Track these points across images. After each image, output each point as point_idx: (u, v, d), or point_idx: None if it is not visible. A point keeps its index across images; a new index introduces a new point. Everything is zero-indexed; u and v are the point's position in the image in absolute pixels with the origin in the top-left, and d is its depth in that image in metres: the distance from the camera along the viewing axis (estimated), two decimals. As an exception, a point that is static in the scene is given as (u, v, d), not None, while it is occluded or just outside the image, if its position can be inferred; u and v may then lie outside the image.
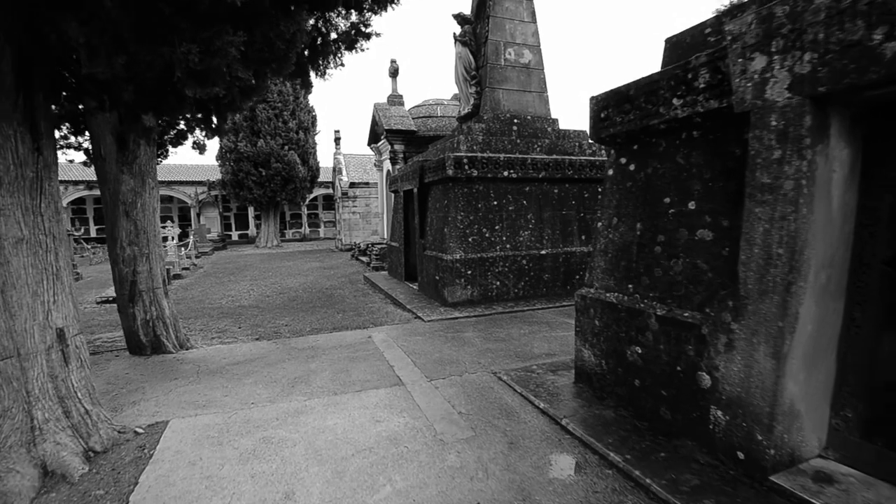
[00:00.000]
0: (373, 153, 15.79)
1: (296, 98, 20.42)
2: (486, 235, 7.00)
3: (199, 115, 4.42)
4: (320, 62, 3.84)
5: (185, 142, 5.67)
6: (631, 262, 3.24)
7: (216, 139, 22.92)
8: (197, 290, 9.83)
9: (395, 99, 14.15)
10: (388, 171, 14.18)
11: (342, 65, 3.76)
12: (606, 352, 3.39)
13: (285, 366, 4.39)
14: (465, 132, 7.58)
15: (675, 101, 2.82)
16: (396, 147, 13.29)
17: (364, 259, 14.39)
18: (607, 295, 3.39)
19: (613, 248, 3.41)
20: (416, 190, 7.97)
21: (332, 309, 7.33)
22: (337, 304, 7.69)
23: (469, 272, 6.81)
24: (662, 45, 3.43)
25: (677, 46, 3.29)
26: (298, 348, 4.97)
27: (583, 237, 7.69)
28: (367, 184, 19.78)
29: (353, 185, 19.51)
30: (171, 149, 5.68)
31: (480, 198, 7.02)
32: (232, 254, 19.73)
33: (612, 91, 3.35)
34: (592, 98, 3.54)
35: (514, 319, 6.07)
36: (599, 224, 3.60)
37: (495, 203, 7.10)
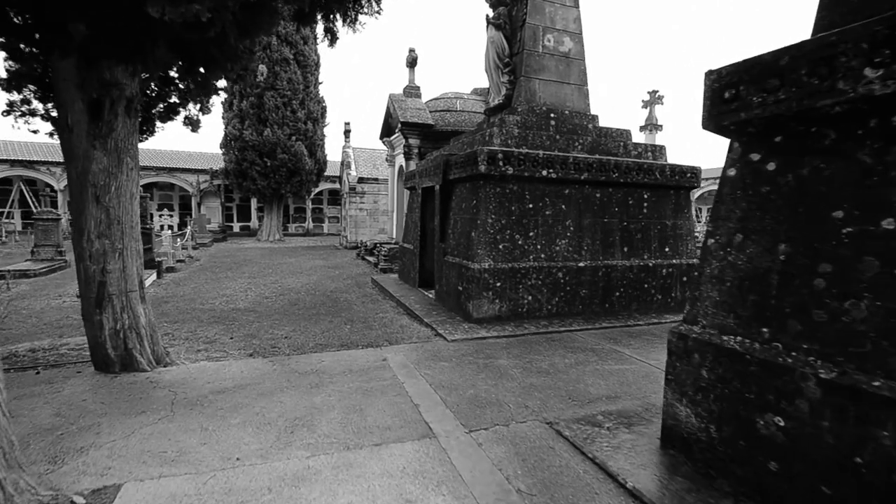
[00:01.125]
0: (385, 147, 14.94)
1: (306, 87, 19.56)
2: (519, 243, 6.11)
3: (183, 66, 3.50)
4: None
5: (176, 117, 4.80)
6: (767, 297, 2.35)
7: (219, 121, 22.09)
8: (189, 287, 8.95)
9: (412, 90, 13.27)
10: (401, 166, 13.30)
11: (378, 11, 2.88)
12: (720, 415, 2.50)
13: (283, 398, 3.50)
14: (499, 124, 6.70)
15: (867, 71, 1.94)
16: (411, 141, 12.41)
17: (371, 259, 13.52)
18: (725, 339, 2.50)
19: (736, 276, 2.52)
20: (437, 187, 7.09)
21: (338, 318, 6.44)
22: (344, 312, 6.80)
23: (498, 284, 5.92)
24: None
25: (841, 3, 2.41)
26: (300, 372, 4.09)
27: (625, 249, 6.80)
28: (376, 179, 18.91)
29: (361, 180, 18.64)
30: (159, 124, 4.80)
31: (514, 199, 6.13)
32: (232, 246, 18.88)
33: (746, 62, 2.46)
34: (711, 72, 2.64)
35: (553, 344, 5.18)
36: (711, 241, 2.71)
37: (530, 206, 6.21)
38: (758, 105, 2.38)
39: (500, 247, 6.00)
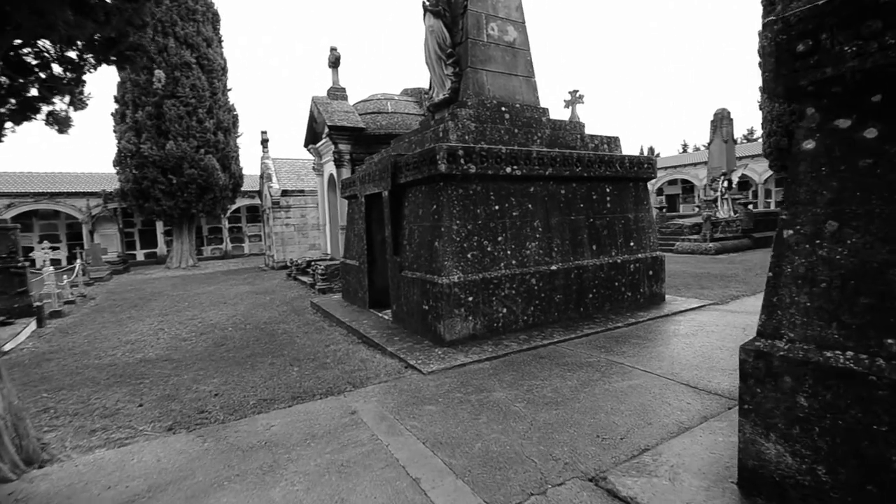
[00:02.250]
0: (311, 156, 13.66)
1: (213, 94, 17.61)
2: (488, 249, 5.43)
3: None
4: None
5: (36, 115, 3.53)
6: (889, 298, 1.82)
7: (109, 136, 19.31)
8: (81, 336, 7.23)
9: (337, 92, 12.22)
10: (332, 175, 12.18)
11: None
12: (831, 454, 1.94)
13: (225, 499, 2.47)
14: (451, 118, 5.98)
15: None
16: (342, 147, 11.35)
17: (305, 279, 12.20)
18: (830, 355, 1.95)
19: (834, 274, 1.98)
20: (386, 193, 6.21)
21: (280, 357, 5.32)
22: (286, 349, 5.68)
23: (470, 299, 5.18)
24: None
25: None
26: (243, 448, 3.03)
27: (594, 247, 6.38)
28: (302, 191, 17.43)
29: (285, 192, 17.08)
30: (10, 126, 3.50)
31: (479, 201, 5.43)
32: (136, 278, 16.39)
33: (829, 2, 1.94)
34: (775, 21, 2.10)
35: (543, 362, 4.53)
36: (788, 232, 2.16)
37: (496, 208, 5.55)
38: (852, 56, 1.86)
39: (469, 256, 5.27)
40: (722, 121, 17.76)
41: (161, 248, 24.53)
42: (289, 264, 14.65)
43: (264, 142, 18.24)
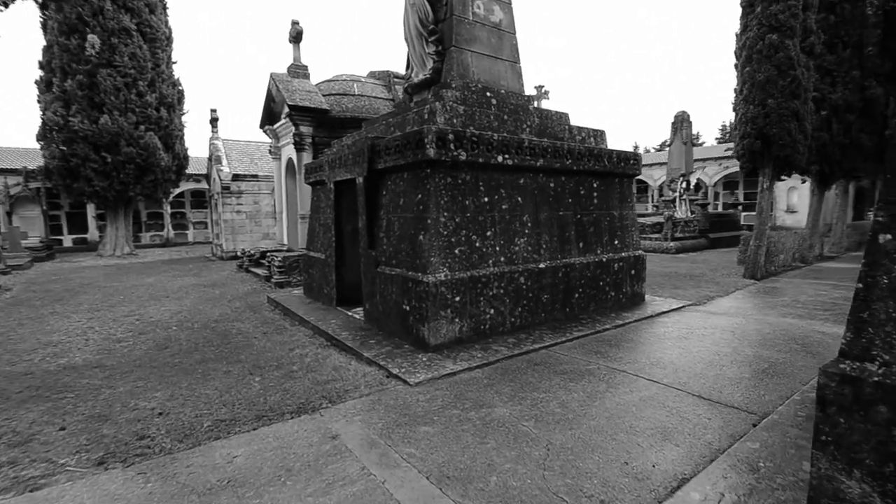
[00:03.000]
0: (267, 138, 12.62)
1: (156, 65, 15.98)
2: (477, 245, 4.97)
3: None
4: None
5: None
6: None
7: (34, 107, 17.05)
8: (-12, 335, 6.12)
9: (299, 70, 11.30)
10: (291, 159, 11.28)
11: None
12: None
13: (177, 568, 1.87)
14: (433, 100, 5.44)
15: None
16: (303, 129, 10.49)
17: (259, 272, 11.27)
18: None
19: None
20: (361, 180, 5.59)
21: (237, 364, 4.63)
22: (244, 353, 4.97)
23: (457, 299, 4.71)
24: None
25: None
26: (199, 490, 2.41)
27: (580, 245, 6.08)
28: (255, 176, 16.23)
29: (237, 177, 15.82)
30: None
31: (468, 191, 4.95)
32: (63, 266, 14.65)
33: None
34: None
35: (539, 369, 4.14)
36: (887, 237, 1.83)
37: (486, 200, 5.09)
38: None
39: (457, 251, 4.78)
40: (682, 123, 18.23)
41: (93, 234, 22.28)
42: (240, 255, 13.55)
43: (214, 121, 16.79)
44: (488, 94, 6.06)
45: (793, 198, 23.13)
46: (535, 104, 20.27)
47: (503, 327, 5.15)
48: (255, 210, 16.31)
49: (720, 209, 26.98)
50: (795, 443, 2.78)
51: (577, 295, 5.94)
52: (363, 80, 11.87)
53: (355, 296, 6.69)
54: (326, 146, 10.67)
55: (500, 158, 5.07)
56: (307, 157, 10.49)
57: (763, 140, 8.30)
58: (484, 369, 4.19)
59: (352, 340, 5.03)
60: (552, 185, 5.79)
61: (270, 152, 12.50)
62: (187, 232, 25.58)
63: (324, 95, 10.86)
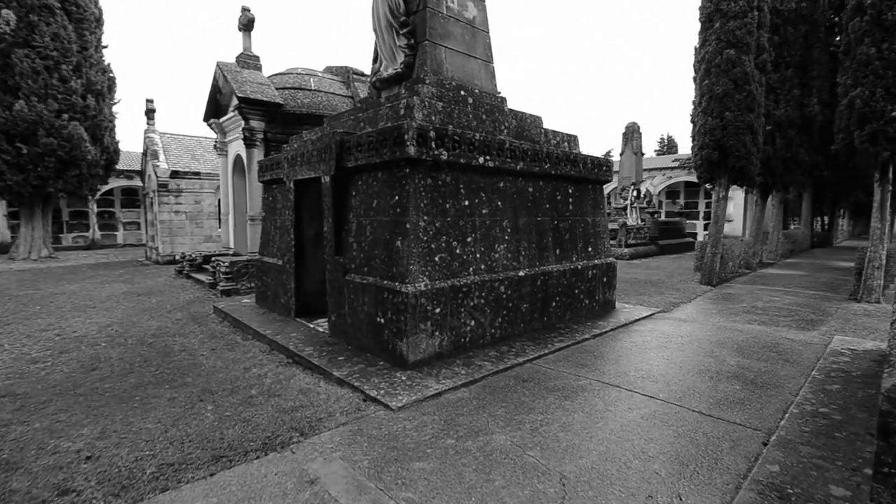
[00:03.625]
0: (213, 133, 11.62)
1: (83, 48, 14.38)
2: (457, 252, 4.62)
3: None
4: None
5: None
6: None
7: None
8: None
9: (250, 60, 10.50)
10: (240, 155, 10.44)
11: None
12: None
13: None
14: (415, 93, 5.06)
15: None
16: (254, 124, 9.72)
17: (202, 278, 10.29)
18: None
19: None
20: (327, 179, 5.09)
21: (183, 388, 3.98)
22: (190, 375, 4.32)
23: (438, 311, 4.33)
24: None
25: None
26: (144, 568, 1.88)
27: (557, 252, 5.90)
28: (197, 174, 14.99)
29: (176, 174, 14.52)
30: None
31: (449, 194, 4.60)
32: (-39, 271, 12.74)
33: None
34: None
35: (528, 386, 3.85)
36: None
37: (466, 203, 4.76)
38: None
39: (437, 259, 4.41)
40: (633, 134, 18.89)
41: (3, 235, 19.77)
42: (179, 259, 12.38)
43: (150, 112, 15.33)
44: (462, 92, 5.75)
45: (729, 207, 24.67)
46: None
47: (483, 339, 4.83)
48: (197, 210, 15.06)
49: (664, 217, 28.38)
50: (813, 463, 2.65)
51: (554, 303, 5.74)
52: (320, 74, 11.24)
53: (317, 305, 6.14)
54: (280, 143, 9.96)
55: (481, 160, 4.77)
56: (258, 154, 9.73)
57: (720, 151, 8.59)
58: (470, 388, 3.84)
59: (318, 357, 4.51)
60: (530, 189, 5.57)
61: (216, 148, 11.52)
62: (116, 233, 23.38)
63: (277, 89, 10.14)
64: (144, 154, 15.59)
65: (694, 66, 8.95)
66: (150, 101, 15.27)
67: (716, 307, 7.34)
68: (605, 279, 6.65)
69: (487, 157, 4.83)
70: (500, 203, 5.13)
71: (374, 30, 6.15)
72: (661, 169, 27.61)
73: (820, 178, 15.00)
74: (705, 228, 26.34)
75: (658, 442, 2.92)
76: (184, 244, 14.59)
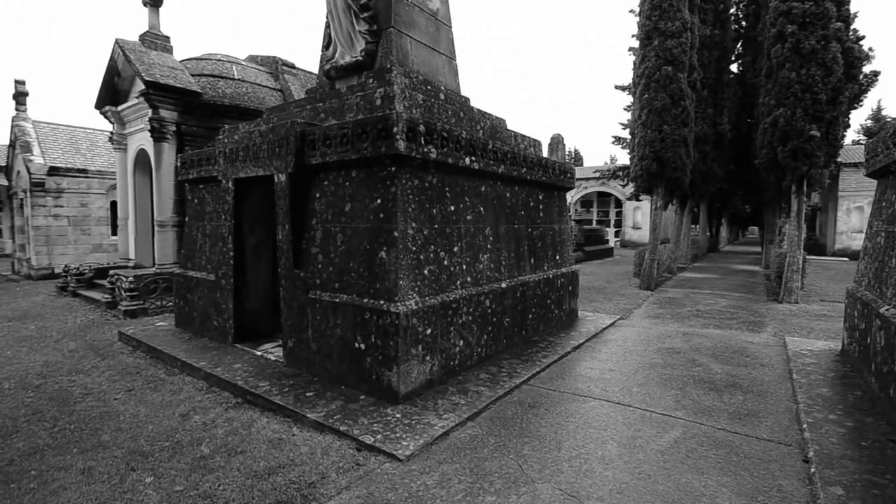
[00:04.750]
0: (108, 122, 9.77)
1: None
2: (445, 263, 4.08)
3: None
4: None
5: None
6: None
7: None
8: None
9: (158, 40, 9.01)
10: (144, 150, 8.91)
11: None
12: None
13: None
14: (386, 84, 4.44)
15: None
16: (164, 114, 8.31)
17: (95, 296, 8.53)
18: None
19: None
20: (283, 178, 4.26)
21: (99, 452, 2.96)
22: (106, 431, 3.26)
23: (429, 332, 3.75)
24: None
25: None
26: None
27: (532, 261, 5.59)
28: (84, 171, 12.66)
29: (55, 171, 12.11)
30: None
31: (436, 198, 4.05)
32: None
33: None
34: None
35: (539, 413, 3.43)
36: None
37: (452, 209, 4.25)
38: None
39: (426, 272, 3.83)
40: (557, 145, 19.64)
41: None
42: (62, 272, 10.23)
43: (20, 96, 12.63)
44: (428, 87, 5.24)
45: (637, 216, 26.78)
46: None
47: (471, 360, 4.33)
48: (83, 215, 12.71)
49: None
50: (866, 480, 2.53)
51: (531, 315, 5.42)
52: (243, 63, 10.02)
53: (261, 327, 5.21)
54: (198, 139, 8.65)
55: (467, 160, 4.29)
56: (170, 150, 8.34)
57: (659, 162, 9.01)
58: (477, 421, 3.32)
59: (280, 394, 3.68)
60: (508, 195, 5.20)
61: (112, 141, 9.73)
62: (-34, 242, 19.17)
63: (192, 75, 8.80)
64: (11, 146, 12.84)
65: (633, 80, 9.33)
66: (20, 83, 12.60)
67: (667, 311, 7.57)
68: (570, 287, 6.50)
69: (473, 158, 4.36)
70: (482, 209, 4.68)
71: (330, 13, 5.42)
72: (579, 179, 29.21)
73: (718, 190, 16.70)
74: (616, 236, 28.32)
75: (710, 472, 2.64)
76: (66, 255, 12.20)
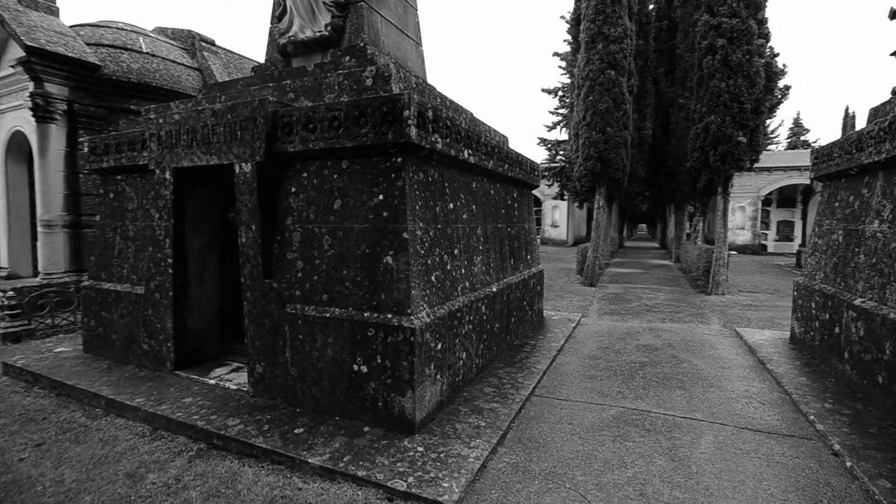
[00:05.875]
0: (-39, 96, 7.73)
1: None
2: (448, 267, 3.64)
3: None
4: None
5: None
6: None
7: None
8: None
9: (42, 0, 7.33)
10: (20, 132, 7.25)
11: None
12: None
13: None
14: (369, 62, 3.87)
15: None
16: (52, 88, 6.77)
17: (-47, 315, 6.68)
18: None
19: None
20: (249, 168, 3.51)
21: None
22: (22, 510, 2.36)
23: (439, 346, 3.30)
24: None
25: None
26: None
27: (512, 261, 5.34)
28: (-78, 159, 9.98)
29: None
30: None
31: (438, 195, 3.59)
32: None
33: None
34: None
35: (568, 429, 3.16)
36: None
37: (451, 207, 3.81)
38: None
39: (433, 278, 3.36)
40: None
41: None
42: None
43: None
44: (403, 72, 4.75)
45: (555, 214, 28.10)
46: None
47: (471, 373, 3.94)
48: (-78, 213, 10.02)
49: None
50: (903, 474, 2.60)
51: (513, 318, 5.17)
52: (152, 35, 8.55)
53: (207, 350, 4.35)
54: (95, 121, 7.20)
55: (465, 153, 3.88)
56: (58, 133, 6.84)
57: (602, 163, 9.31)
58: (507, 445, 2.96)
59: (260, 434, 2.99)
60: (492, 192, 4.89)
61: (-29, 120, 7.73)
62: None
63: (88, 45, 7.28)
64: None
65: (577, 83, 9.54)
66: None
67: (620, 307, 7.80)
68: (538, 288, 6.38)
69: (470, 151, 3.97)
70: (474, 207, 4.30)
71: (286, -24, 4.67)
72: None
73: (629, 191, 18.02)
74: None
75: (764, 478, 2.54)
76: None
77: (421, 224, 3.25)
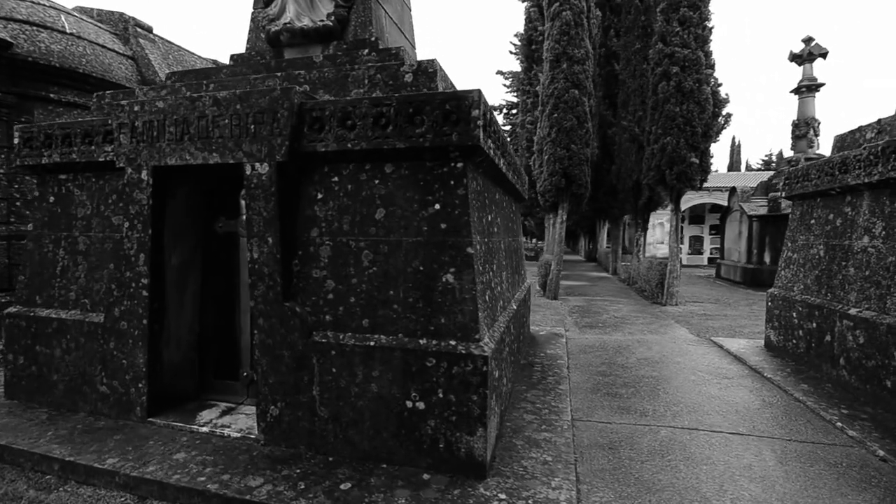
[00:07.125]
0: None
1: None
2: (492, 284, 3.32)
3: None
4: None
5: None
6: None
7: None
8: None
9: (-78, -45, 5.91)
10: None
11: None
12: None
13: None
14: (389, 56, 3.48)
15: None
16: (-59, 68, 5.43)
17: None
18: None
19: None
20: (266, 169, 2.93)
21: None
22: None
23: (497, 374, 2.96)
24: None
25: None
26: None
27: (516, 276, 5.14)
28: None
29: None
30: None
31: (486, 203, 3.27)
32: None
33: None
34: None
35: (626, 454, 2.97)
36: None
37: (490, 218, 3.51)
38: None
39: (487, 297, 3.02)
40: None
41: None
42: None
43: None
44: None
45: (492, 228, 28.65)
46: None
47: (508, 399, 3.62)
48: None
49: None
50: (958, 479, 2.72)
51: (521, 336, 4.95)
52: (76, 14, 7.30)
53: (183, 387, 3.61)
54: (1, 108, 5.89)
55: (501, 161, 3.62)
56: (-46, 122, 5.47)
57: (567, 179, 9.53)
58: (585, 482, 2.68)
59: (302, 497, 2.43)
60: (504, 203, 4.66)
61: None
62: None
63: (-7, 18, 6.01)
64: None
65: (542, 100, 9.72)
66: None
67: (593, 320, 7.91)
68: (529, 303, 6.24)
69: (502, 157, 3.71)
70: (499, 219, 4.04)
71: (281, -45, 4.14)
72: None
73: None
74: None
75: (843, 492, 2.52)
76: None
77: (477, 237, 2.91)
